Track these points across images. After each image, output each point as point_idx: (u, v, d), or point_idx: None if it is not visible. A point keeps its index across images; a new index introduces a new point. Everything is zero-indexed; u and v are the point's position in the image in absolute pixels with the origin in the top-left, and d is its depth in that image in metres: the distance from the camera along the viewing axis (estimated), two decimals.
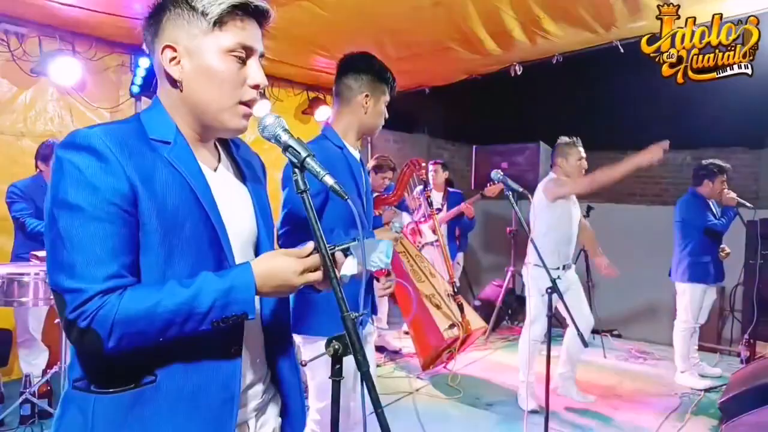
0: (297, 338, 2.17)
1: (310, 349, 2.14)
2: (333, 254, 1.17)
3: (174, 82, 1.12)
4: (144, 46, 1.18)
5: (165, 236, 1.04)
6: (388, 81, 2.24)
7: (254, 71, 1.13)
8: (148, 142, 1.09)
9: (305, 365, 1.26)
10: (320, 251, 1.08)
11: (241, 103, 1.13)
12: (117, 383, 1.05)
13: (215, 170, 1.20)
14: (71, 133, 1.03)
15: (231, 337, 1.12)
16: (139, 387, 1.05)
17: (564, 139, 3.96)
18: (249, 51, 1.13)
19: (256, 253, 1.23)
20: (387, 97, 2.25)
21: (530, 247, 3.90)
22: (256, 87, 1.14)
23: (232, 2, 1.09)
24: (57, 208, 1.00)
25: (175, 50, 1.10)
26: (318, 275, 1.11)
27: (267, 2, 1.14)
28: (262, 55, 1.16)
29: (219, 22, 1.09)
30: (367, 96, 2.18)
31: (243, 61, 1.12)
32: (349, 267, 1.18)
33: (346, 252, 1.18)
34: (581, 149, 3.92)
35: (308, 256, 1.11)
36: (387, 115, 2.29)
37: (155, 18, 1.13)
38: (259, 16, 1.14)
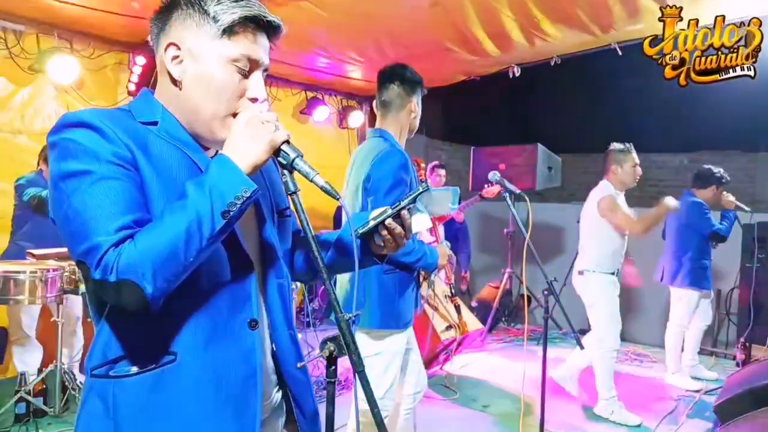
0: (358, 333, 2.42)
1: (374, 343, 2.37)
2: (399, 213, 1.19)
3: (173, 81, 1.12)
4: (149, 38, 1.17)
5: (168, 201, 1.02)
6: (423, 87, 2.53)
7: (255, 85, 1.12)
8: (137, 124, 1.09)
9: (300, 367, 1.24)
10: (313, 252, 1.08)
11: (235, 114, 1.11)
12: (137, 365, 1.05)
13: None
14: (60, 117, 1.03)
15: (246, 308, 1.13)
16: (159, 367, 1.05)
17: (617, 145, 3.93)
18: (254, 64, 1.11)
19: (260, 236, 1.21)
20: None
21: (584, 255, 3.95)
22: (253, 100, 1.12)
23: (245, 14, 1.08)
24: (61, 180, 0.98)
25: (179, 49, 1.10)
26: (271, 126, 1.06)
27: (271, 10, 1.12)
28: (266, 70, 1.15)
29: (229, 31, 1.08)
30: (416, 102, 2.48)
31: (245, 74, 1.11)
32: (418, 224, 1.21)
33: (411, 210, 1.20)
34: (635, 155, 3.89)
35: (379, 217, 1.18)
36: None
37: (165, 12, 1.12)
38: (270, 30, 1.13)
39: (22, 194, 3.64)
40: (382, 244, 1.23)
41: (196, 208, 0.97)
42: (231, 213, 0.99)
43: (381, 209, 1.22)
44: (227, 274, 1.11)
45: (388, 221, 1.19)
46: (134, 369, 1.05)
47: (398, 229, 1.21)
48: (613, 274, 3.86)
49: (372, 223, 1.19)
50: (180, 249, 0.95)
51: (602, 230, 3.85)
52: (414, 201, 1.20)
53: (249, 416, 1.12)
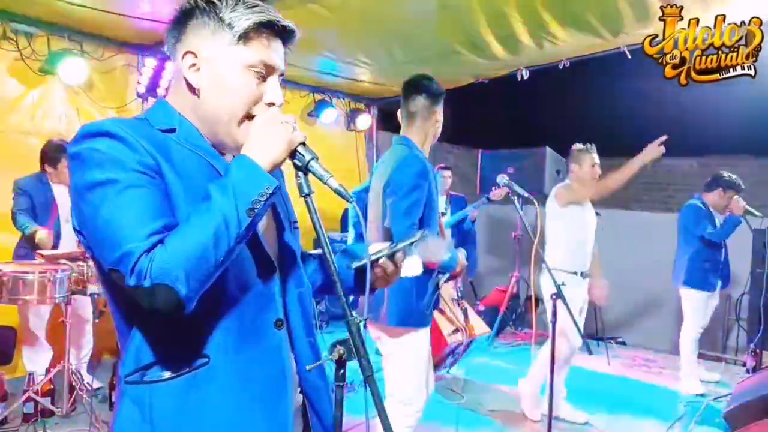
0: (375, 329, 2.53)
1: (391, 340, 2.47)
2: (393, 255, 1.24)
3: (192, 88, 1.13)
4: (165, 48, 1.18)
5: (193, 207, 1.02)
6: (444, 98, 2.67)
7: (272, 90, 1.14)
8: (156, 132, 1.10)
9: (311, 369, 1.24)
10: (325, 254, 1.08)
11: (251, 117, 1.12)
12: (171, 370, 1.05)
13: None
14: (81, 128, 1.04)
15: (271, 309, 1.14)
16: (193, 370, 1.06)
17: (578, 145, 3.97)
18: (270, 69, 1.13)
19: (280, 242, 1.22)
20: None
21: (548, 254, 3.86)
22: (271, 105, 1.14)
23: (259, 19, 1.09)
24: (88, 190, 0.99)
25: (196, 57, 1.11)
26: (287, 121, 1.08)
27: (279, 14, 1.13)
28: (282, 74, 1.16)
29: (244, 37, 1.09)
30: (439, 112, 2.64)
31: (263, 78, 1.12)
32: (409, 268, 1.27)
33: (406, 252, 1.25)
34: (595, 155, 3.92)
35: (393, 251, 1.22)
36: None
37: (180, 22, 1.13)
38: (285, 35, 1.15)
39: (15, 197, 3.69)
40: (374, 279, 1.28)
41: (221, 209, 0.98)
42: (256, 210, 1.01)
43: (379, 246, 1.26)
44: (252, 275, 1.13)
45: (382, 260, 1.24)
46: (168, 374, 1.06)
47: (391, 268, 1.26)
48: (575, 274, 3.77)
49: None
50: (210, 250, 0.97)
51: (563, 226, 3.86)
52: (411, 245, 1.26)
53: (281, 413, 1.14)
